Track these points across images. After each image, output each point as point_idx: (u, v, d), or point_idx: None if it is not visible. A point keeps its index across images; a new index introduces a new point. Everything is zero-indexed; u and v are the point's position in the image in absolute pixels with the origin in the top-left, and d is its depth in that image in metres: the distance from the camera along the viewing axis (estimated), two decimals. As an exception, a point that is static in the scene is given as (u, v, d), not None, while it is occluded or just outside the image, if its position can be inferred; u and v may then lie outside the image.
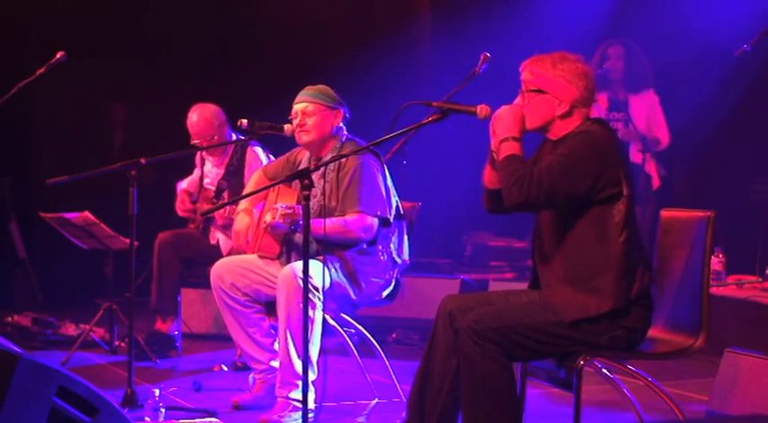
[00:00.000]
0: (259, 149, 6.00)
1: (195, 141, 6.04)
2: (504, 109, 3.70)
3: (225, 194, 6.08)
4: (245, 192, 5.07)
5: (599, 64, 7.12)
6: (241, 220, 4.89)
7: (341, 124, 4.79)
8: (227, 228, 5.94)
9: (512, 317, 3.59)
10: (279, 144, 5.49)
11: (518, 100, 3.74)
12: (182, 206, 6.17)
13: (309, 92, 4.78)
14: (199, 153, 6.25)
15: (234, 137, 6.06)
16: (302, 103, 4.77)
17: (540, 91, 3.68)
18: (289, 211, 4.43)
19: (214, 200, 6.10)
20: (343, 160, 4.63)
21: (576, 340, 3.57)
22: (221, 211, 5.84)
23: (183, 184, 6.29)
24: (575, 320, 3.55)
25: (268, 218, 4.58)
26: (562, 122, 3.70)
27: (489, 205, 3.89)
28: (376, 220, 4.63)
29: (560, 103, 3.68)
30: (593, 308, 3.56)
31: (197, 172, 6.33)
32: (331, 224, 4.50)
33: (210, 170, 6.23)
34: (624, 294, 3.57)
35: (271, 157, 5.91)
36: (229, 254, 5.68)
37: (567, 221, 3.64)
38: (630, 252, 3.59)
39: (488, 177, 3.81)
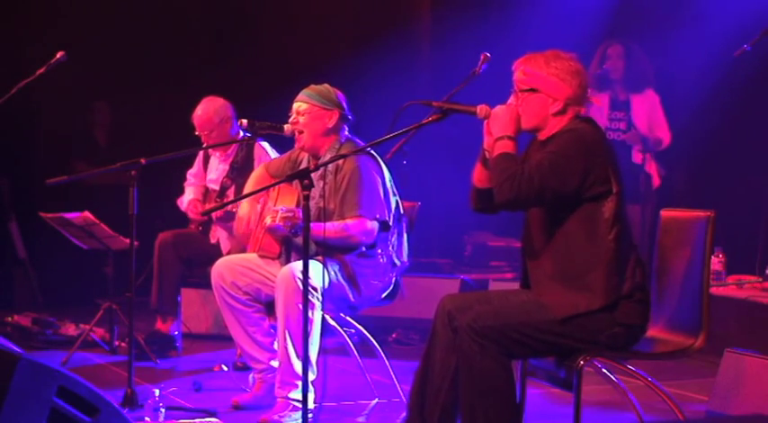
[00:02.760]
0: (266, 144, 5.99)
1: (198, 133, 6.06)
2: (499, 108, 3.70)
3: (228, 192, 6.08)
4: (246, 188, 5.07)
5: (599, 64, 7.12)
6: (244, 208, 4.91)
7: (339, 125, 4.78)
8: (222, 220, 5.95)
9: (510, 315, 3.59)
10: (279, 144, 5.49)
11: (511, 100, 3.74)
12: (194, 210, 6.16)
13: (307, 91, 4.79)
14: (202, 151, 6.25)
15: (241, 133, 6.05)
16: (298, 103, 4.78)
17: (533, 90, 3.68)
18: (289, 215, 4.43)
19: (217, 199, 6.11)
20: (341, 162, 4.63)
21: (575, 338, 3.57)
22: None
23: (185, 203, 6.26)
24: (566, 317, 3.55)
25: (268, 220, 4.59)
26: (555, 120, 3.69)
27: (476, 204, 3.90)
28: (376, 224, 4.63)
29: (554, 101, 3.68)
30: (584, 305, 3.56)
31: (194, 183, 6.30)
32: (331, 228, 4.50)
33: (218, 167, 6.22)
34: (614, 291, 3.57)
35: (276, 153, 5.90)
36: (229, 253, 5.68)
37: (557, 219, 3.64)
38: (621, 249, 3.59)
39: (478, 176, 3.82)
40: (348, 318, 4.83)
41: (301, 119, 4.74)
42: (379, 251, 4.68)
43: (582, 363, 3.54)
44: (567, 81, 3.67)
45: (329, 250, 4.55)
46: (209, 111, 6.09)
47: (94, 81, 8.19)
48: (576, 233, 3.60)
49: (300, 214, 4.37)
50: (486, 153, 3.71)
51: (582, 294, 3.57)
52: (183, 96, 6.38)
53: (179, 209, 6.32)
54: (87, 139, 8.59)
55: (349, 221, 4.59)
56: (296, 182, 4.64)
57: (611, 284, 3.57)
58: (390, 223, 4.70)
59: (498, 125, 3.66)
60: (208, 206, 6.07)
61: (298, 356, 4.43)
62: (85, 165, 7.99)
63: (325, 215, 4.61)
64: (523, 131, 3.71)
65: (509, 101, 3.74)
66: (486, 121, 3.72)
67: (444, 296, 3.86)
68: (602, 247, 3.57)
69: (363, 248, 4.64)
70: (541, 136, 3.73)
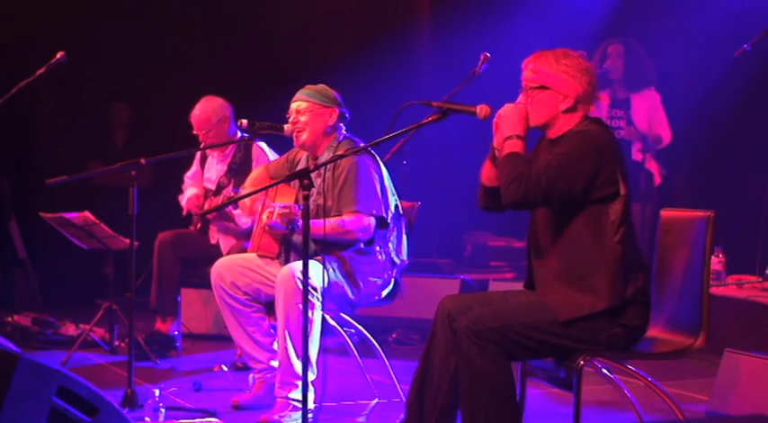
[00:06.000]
0: (263, 144, 5.99)
1: (195, 133, 6.05)
2: (508, 107, 3.68)
3: (224, 191, 6.07)
4: (245, 187, 5.08)
5: (599, 63, 7.12)
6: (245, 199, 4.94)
7: (338, 124, 4.79)
8: (217, 219, 5.95)
9: (510, 316, 3.59)
10: (279, 144, 5.49)
11: (521, 98, 3.73)
12: (195, 202, 6.15)
13: (305, 91, 4.80)
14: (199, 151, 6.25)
15: (239, 134, 6.05)
16: (297, 102, 4.79)
17: (543, 87, 3.67)
18: (285, 211, 4.44)
19: (212, 197, 6.10)
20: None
21: (575, 339, 3.57)
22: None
23: (184, 200, 6.26)
24: (569, 320, 3.55)
25: (265, 218, 4.59)
26: (565, 118, 3.68)
27: (484, 202, 3.88)
28: (373, 220, 4.64)
29: (564, 98, 3.66)
30: (587, 307, 3.56)
31: (193, 184, 6.30)
32: (329, 224, 4.51)
33: (215, 166, 6.21)
34: (619, 293, 3.57)
35: (275, 154, 5.90)
36: (229, 253, 5.68)
37: (563, 220, 3.63)
38: (626, 251, 3.58)
39: (486, 174, 3.80)
40: (348, 318, 4.83)
41: (302, 118, 4.75)
42: (378, 248, 4.68)
43: (582, 363, 3.54)
44: (578, 78, 3.66)
45: (326, 246, 4.55)
46: (207, 110, 6.09)
47: (96, 81, 8.19)
48: (582, 234, 3.60)
49: (297, 210, 4.38)
50: (496, 151, 3.70)
51: (586, 295, 3.56)
52: (185, 97, 6.38)
53: (179, 209, 6.31)
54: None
55: (346, 218, 4.60)
56: (294, 181, 4.64)
57: (615, 287, 3.56)
58: (388, 221, 4.70)
59: (507, 124, 3.64)
60: (207, 206, 6.06)
61: (298, 356, 4.43)
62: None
63: (324, 212, 4.61)
64: (532, 128, 3.70)
65: (518, 99, 3.73)
66: (494, 119, 3.71)
67: (444, 297, 3.86)
68: (608, 248, 3.57)
69: (361, 245, 4.64)
70: (551, 134, 3.72)
